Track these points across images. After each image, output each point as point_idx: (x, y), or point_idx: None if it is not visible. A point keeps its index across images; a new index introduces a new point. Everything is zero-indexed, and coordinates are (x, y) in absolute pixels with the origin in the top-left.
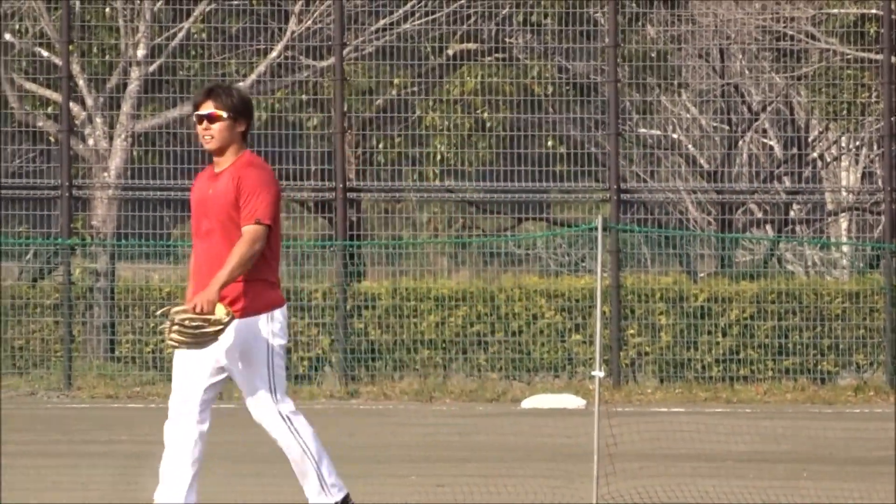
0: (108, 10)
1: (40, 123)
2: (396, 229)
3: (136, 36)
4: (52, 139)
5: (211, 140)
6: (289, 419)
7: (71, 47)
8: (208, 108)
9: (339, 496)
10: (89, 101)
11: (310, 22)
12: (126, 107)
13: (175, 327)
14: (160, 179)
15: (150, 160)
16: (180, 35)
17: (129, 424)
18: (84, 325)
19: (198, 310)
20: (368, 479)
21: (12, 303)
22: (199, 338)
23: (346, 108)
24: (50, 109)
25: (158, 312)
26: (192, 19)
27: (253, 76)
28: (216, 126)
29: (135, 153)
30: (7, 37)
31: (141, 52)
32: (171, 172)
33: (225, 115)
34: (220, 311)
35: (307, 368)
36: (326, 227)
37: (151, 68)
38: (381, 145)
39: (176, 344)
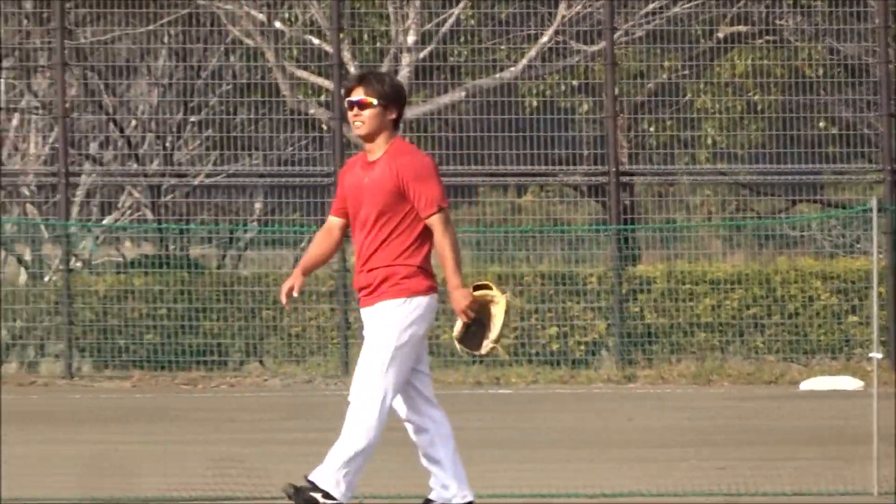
0: None
1: (312, 111)
2: (670, 212)
3: (406, 22)
4: (323, 127)
5: (361, 126)
6: (379, 410)
7: (342, 35)
8: (359, 94)
9: (336, 492)
10: None
11: (580, 6)
12: None
13: (493, 346)
14: None
15: (422, 146)
16: (450, 21)
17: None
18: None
19: (470, 316)
20: (647, 462)
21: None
22: (504, 321)
23: (617, 93)
24: (322, 97)
25: (460, 350)
26: (461, 5)
27: (523, 61)
28: (366, 113)
29: (406, 139)
30: (278, 25)
31: (411, 39)
32: (442, 158)
33: (375, 102)
34: (487, 292)
35: (584, 353)
36: (600, 211)
37: (422, 55)
38: (652, 129)
39: (500, 348)
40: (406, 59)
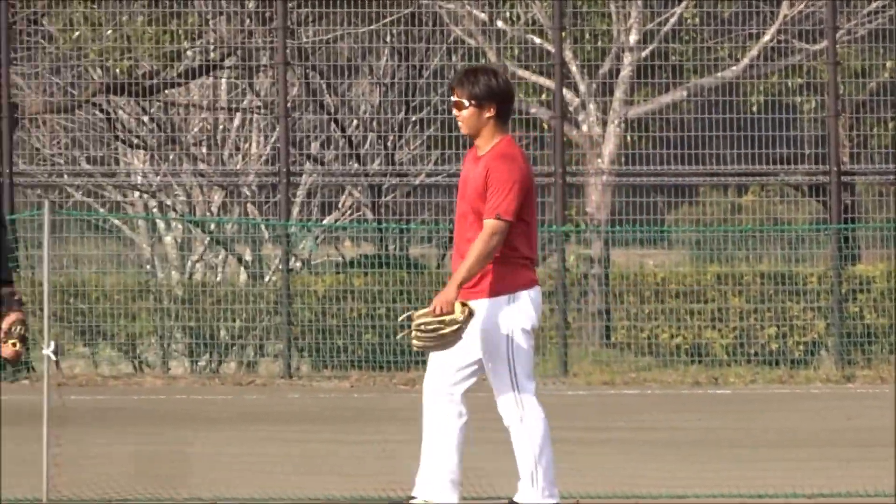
0: None
1: (533, 110)
2: (891, 212)
3: (628, 21)
4: (545, 126)
5: (462, 126)
6: (522, 406)
7: (563, 34)
8: (455, 95)
9: (548, 501)
10: (582, 88)
11: (802, 5)
12: (619, 93)
13: (414, 333)
14: (653, 165)
15: (644, 146)
16: (672, 20)
17: (625, 411)
18: (579, 311)
19: (437, 312)
20: (868, 462)
21: None
22: (439, 340)
23: (839, 92)
24: (543, 96)
25: (402, 317)
26: (683, 4)
27: (745, 60)
28: (463, 113)
29: (628, 139)
30: (500, 24)
31: (633, 38)
32: (664, 158)
33: (466, 103)
34: (457, 311)
35: (803, 353)
36: (821, 210)
37: (643, 54)
38: (874, 129)
39: (419, 347)
40: (627, 58)
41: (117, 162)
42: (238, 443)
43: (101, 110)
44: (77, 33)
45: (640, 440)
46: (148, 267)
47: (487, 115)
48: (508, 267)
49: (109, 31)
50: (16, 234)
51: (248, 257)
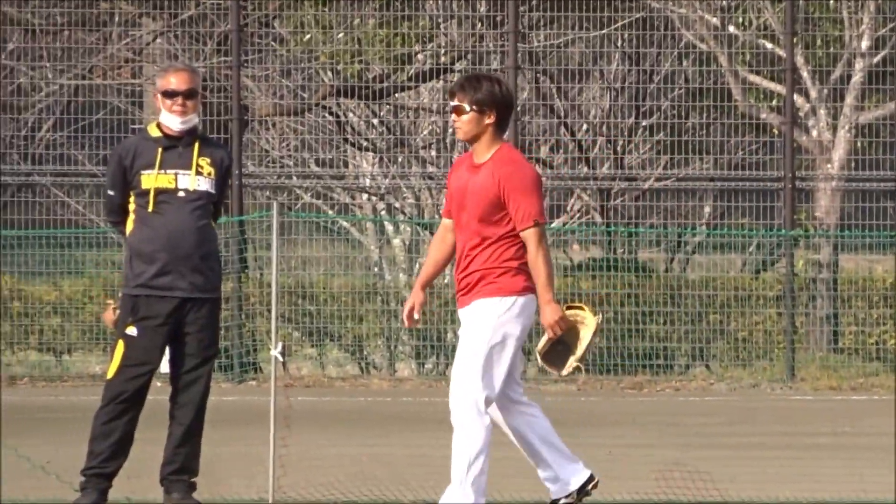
0: (832, 1)
1: (763, 115)
2: None
3: (860, 27)
4: (775, 131)
5: (459, 131)
6: (480, 408)
7: (795, 39)
8: (455, 100)
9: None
10: (813, 93)
11: None
12: (850, 98)
13: (570, 363)
14: (883, 170)
15: (874, 151)
16: None
17: (852, 416)
18: (807, 316)
19: (557, 333)
20: None
21: (735, 294)
22: (588, 349)
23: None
24: (773, 102)
25: (540, 361)
26: None
27: None
28: (463, 118)
29: (858, 144)
30: (731, 29)
31: (865, 44)
32: (894, 163)
33: (468, 108)
34: (579, 314)
35: None
36: None
37: (875, 59)
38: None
39: (581, 362)
40: (859, 63)
41: (346, 164)
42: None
43: (331, 113)
44: (308, 36)
45: (866, 446)
46: (376, 269)
47: (487, 121)
48: (506, 274)
49: (340, 34)
50: (245, 235)
51: None
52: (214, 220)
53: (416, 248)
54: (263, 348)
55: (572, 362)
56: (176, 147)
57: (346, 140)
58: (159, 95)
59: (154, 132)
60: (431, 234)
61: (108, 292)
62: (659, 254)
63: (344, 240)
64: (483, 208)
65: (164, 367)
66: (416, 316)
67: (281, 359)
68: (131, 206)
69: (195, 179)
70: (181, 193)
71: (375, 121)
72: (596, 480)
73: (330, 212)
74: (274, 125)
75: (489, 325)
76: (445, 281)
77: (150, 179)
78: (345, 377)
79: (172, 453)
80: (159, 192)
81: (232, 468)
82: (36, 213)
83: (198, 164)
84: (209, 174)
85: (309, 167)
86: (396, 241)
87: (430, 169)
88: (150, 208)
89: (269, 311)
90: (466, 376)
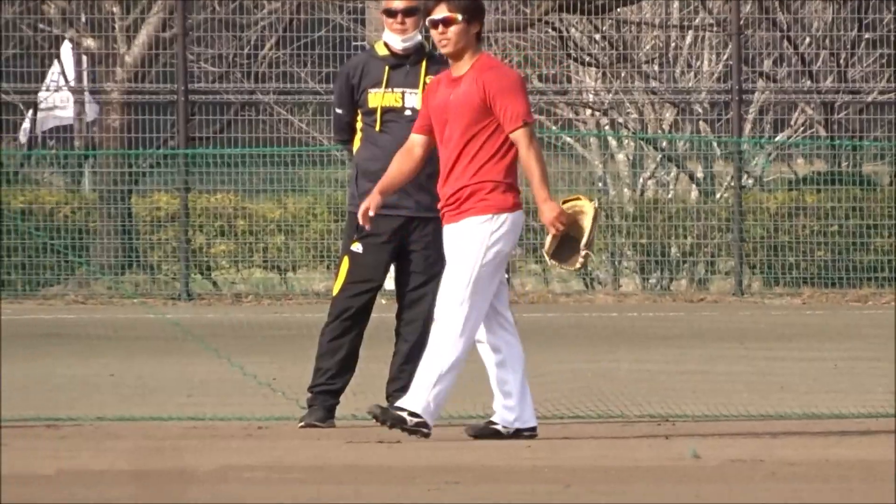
0: None
1: None
2: None
3: None
4: None
5: (447, 44)
6: (463, 326)
7: None
8: (442, 12)
9: (414, 421)
10: None
11: None
12: None
13: (580, 255)
14: None
15: None
16: None
17: None
18: None
19: (559, 229)
20: None
21: None
22: (592, 235)
23: None
24: None
25: (550, 264)
26: None
27: None
28: (452, 29)
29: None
30: None
31: None
32: None
33: (459, 17)
34: (577, 204)
35: None
36: None
37: None
38: None
39: (587, 260)
40: None
41: (569, 80)
42: (689, 361)
43: (554, 28)
44: None
45: None
46: (600, 184)
47: (474, 31)
48: (496, 190)
49: None
50: None
51: (699, 174)
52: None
53: (640, 162)
54: None
55: (581, 254)
56: (403, 65)
57: (568, 55)
58: (382, 14)
59: (381, 50)
60: (655, 148)
61: (331, 210)
62: (883, 167)
63: (567, 155)
64: (469, 116)
65: (389, 284)
66: (371, 214)
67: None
68: (358, 125)
69: (421, 98)
70: (408, 112)
71: (598, 36)
72: (536, 435)
73: (553, 127)
74: (496, 41)
75: (483, 244)
76: (669, 196)
77: (377, 98)
78: (569, 293)
79: (398, 370)
80: (386, 110)
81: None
82: (259, 131)
83: (425, 83)
84: None
85: (532, 83)
86: (620, 157)
87: (653, 84)
88: (377, 127)
89: None
90: (456, 296)
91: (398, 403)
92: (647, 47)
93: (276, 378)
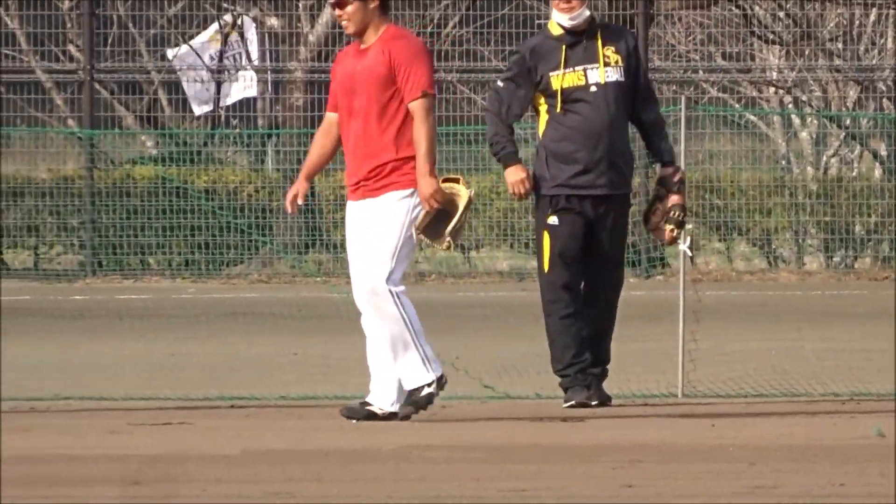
0: None
1: None
2: None
3: None
4: None
5: (349, 24)
6: (396, 295)
7: None
8: None
9: (439, 372)
10: None
11: None
12: None
13: (445, 235)
14: None
15: None
16: None
17: None
18: None
19: (435, 206)
20: None
21: None
22: (459, 222)
23: None
24: None
25: (416, 236)
26: None
27: None
28: (348, 9)
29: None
30: None
31: None
32: None
33: None
34: (455, 186)
35: None
36: None
37: None
38: None
39: (454, 242)
40: None
41: (752, 58)
42: (873, 339)
43: (737, 6)
44: None
45: None
46: (783, 163)
47: (372, 5)
48: (411, 163)
49: None
50: None
51: (883, 152)
52: (645, 104)
53: (824, 140)
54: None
55: (446, 235)
56: (580, 42)
57: (752, 33)
58: None
59: (555, 30)
60: (839, 126)
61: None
62: None
63: (751, 133)
64: (376, 86)
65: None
66: (299, 202)
67: (689, 253)
68: (542, 107)
69: (603, 72)
70: (593, 88)
71: (781, 13)
72: (398, 417)
73: (736, 105)
74: (680, 19)
75: (405, 218)
76: (853, 174)
77: (558, 80)
78: (752, 271)
79: (580, 346)
80: (570, 90)
81: (641, 363)
82: (442, 109)
83: (604, 56)
84: (616, 62)
85: (715, 61)
86: (804, 135)
87: (837, 62)
88: (563, 108)
89: None
90: (380, 267)
91: (415, 386)
92: (831, 25)
93: (459, 357)
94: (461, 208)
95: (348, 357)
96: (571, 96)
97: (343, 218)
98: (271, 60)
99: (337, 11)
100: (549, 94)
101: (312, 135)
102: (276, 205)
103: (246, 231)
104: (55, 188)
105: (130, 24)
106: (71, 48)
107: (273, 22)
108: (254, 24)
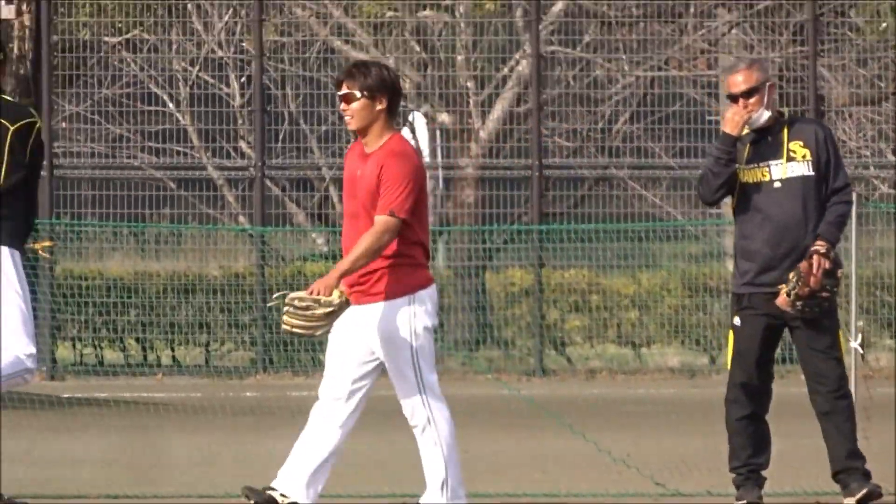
0: None
1: None
2: None
3: None
4: None
5: (351, 120)
6: (430, 408)
7: None
8: (343, 88)
9: (458, 501)
10: None
11: None
12: None
13: (286, 309)
14: None
15: None
16: None
17: None
18: None
19: (314, 292)
20: None
21: None
22: (310, 320)
23: None
24: None
25: (275, 296)
26: None
27: None
28: (353, 106)
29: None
30: None
31: None
32: None
33: (358, 94)
34: (335, 295)
35: None
36: None
37: None
38: None
39: (289, 327)
40: None
41: None
42: None
43: None
44: (884, 25)
45: None
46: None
47: (379, 107)
48: (404, 268)
49: None
50: None
51: None
52: (839, 196)
53: None
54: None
55: (288, 328)
56: (765, 138)
57: None
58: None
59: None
60: None
61: (685, 285)
62: None
63: None
64: (369, 198)
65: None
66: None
67: (860, 350)
68: (732, 203)
69: (786, 167)
70: (777, 185)
71: None
72: None
73: None
74: (850, 115)
75: (408, 327)
76: None
77: (743, 174)
78: None
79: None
80: (754, 186)
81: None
82: (613, 206)
83: (789, 150)
84: (803, 157)
85: (885, 157)
86: None
87: None
88: (748, 204)
89: (849, 302)
90: (413, 382)
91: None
92: None
93: (631, 454)
94: (323, 312)
95: (519, 453)
96: (755, 192)
97: (513, 314)
98: (442, 157)
99: (342, 105)
100: (738, 190)
101: (484, 232)
102: (448, 301)
103: None
104: (226, 285)
105: (301, 121)
106: (242, 145)
107: (444, 118)
108: (424, 120)
